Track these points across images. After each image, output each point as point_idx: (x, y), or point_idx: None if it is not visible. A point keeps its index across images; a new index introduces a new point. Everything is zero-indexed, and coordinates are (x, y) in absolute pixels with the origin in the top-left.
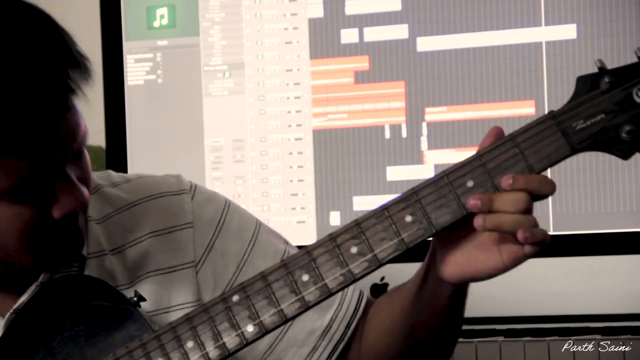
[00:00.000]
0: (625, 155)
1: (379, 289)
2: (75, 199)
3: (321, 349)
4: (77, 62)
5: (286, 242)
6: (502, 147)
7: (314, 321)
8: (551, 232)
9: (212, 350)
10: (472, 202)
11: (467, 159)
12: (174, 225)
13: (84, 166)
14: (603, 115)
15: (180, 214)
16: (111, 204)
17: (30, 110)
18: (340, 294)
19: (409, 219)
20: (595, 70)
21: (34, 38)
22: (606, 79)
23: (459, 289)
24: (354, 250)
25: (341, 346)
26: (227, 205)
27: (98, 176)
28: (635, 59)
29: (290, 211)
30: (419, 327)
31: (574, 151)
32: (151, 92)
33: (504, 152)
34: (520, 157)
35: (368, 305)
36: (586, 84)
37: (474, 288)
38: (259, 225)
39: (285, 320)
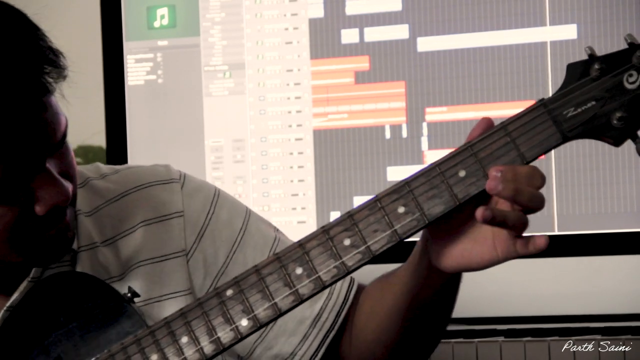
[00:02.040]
0: (616, 142)
1: None
2: (57, 193)
3: (312, 338)
4: (51, 61)
5: (276, 230)
6: (494, 136)
7: (303, 310)
8: (556, 233)
9: (206, 345)
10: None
11: (458, 149)
12: (164, 215)
13: (66, 159)
14: (594, 102)
15: (170, 203)
16: (101, 196)
17: (3, 115)
18: None
19: (401, 210)
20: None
21: (5, 40)
22: (596, 66)
23: (453, 276)
24: (347, 242)
25: (332, 335)
26: (217, 193)
27: (87, 169)
28: (625, 46)
29: (290, 211)
30: (410, 311)
31: (565, 139)
32: (151, 92)
33: (496, 141)
34: (511, 145)
35: (358, 292)
36: (576, 71)
37: (475, 288)
38: (248, 213)
39: (280, 313)
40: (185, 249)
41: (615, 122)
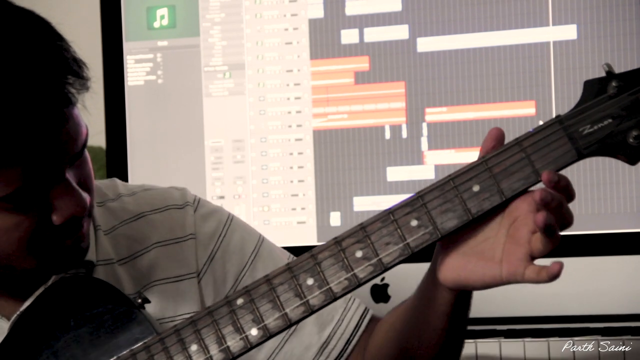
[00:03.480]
0: (631, 160)
1: (379, 290)
2: (75, 204)
3: None
4: (74, 72)
5: (289, 257)
6: (509, 152)
7: (312, 336)
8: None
9: (216, 353)
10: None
11: (472, 163)
12: (178, 237)
13: (85, 169)
14: (610, 120)
15: (183, 227)
16: (116, 217)
17: (26, 125)
18: (342, 310)
19: (414, 223)
20: (600, 71)
21: (30, 50)
22: (614, 84)
23: (460, 298)
24: (359, 254)
25: None
26: (230, 219)
27: (104, 185)
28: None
29: (290, 212)
30: (420, 336)
31: (580, 156)
32: (151, 93)
33: (510, 156)
34: (526, 161)
35: (373, 322)
36: (593, 88)
37: None
38: (261, 240)
39: (290, 324)
40: (197, 271)
41: (631, 140)
